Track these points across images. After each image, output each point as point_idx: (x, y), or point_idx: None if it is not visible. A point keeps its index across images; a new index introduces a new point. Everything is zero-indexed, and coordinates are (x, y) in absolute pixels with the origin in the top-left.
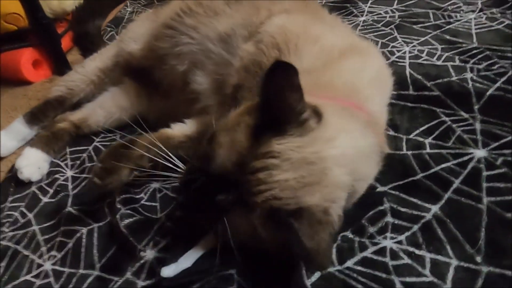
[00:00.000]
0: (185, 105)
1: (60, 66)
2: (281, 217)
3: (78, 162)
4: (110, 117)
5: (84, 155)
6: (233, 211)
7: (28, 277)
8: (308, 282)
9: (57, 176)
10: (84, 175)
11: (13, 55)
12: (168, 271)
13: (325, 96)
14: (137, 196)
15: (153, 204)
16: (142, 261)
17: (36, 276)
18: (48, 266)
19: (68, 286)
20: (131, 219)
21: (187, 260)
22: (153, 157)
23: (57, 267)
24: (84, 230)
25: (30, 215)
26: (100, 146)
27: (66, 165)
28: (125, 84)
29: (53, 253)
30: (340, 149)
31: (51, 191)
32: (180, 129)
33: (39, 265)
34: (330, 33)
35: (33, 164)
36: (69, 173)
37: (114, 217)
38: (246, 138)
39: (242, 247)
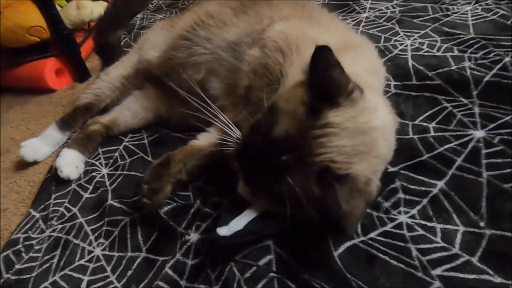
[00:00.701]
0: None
1: (81, 73)
2: (328, 178)
3: (111, 160)
4: (136, 117)
5: (116, 154)
6: (294, 170)
7: (81, 262)
8: (335, 254)
9: (94, 174)
10: (118, 172)
11: (37, 65)
12: (223, 231)
13: None
14: None
15: (187, 193)
16: (188, 244)
17: (89, 261)
18: (98, 251)
19: (119, 267)
20: (169, 206)
21: (238, 223)
22: (190, 170)
23: (106, 252)
24: (128, 219)
25: (75, 209)
26: (129, 145)
27: (101, 163)
28: (146, 89)
29: (101, 240)
30: (381, 120)
31: (90, 187)
32: (207, 140)
33: (90, 251)
34: (325, 33)
35: (71, 163)
36: (105, 170)
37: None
38: (304, 111)
39: (293, 211)
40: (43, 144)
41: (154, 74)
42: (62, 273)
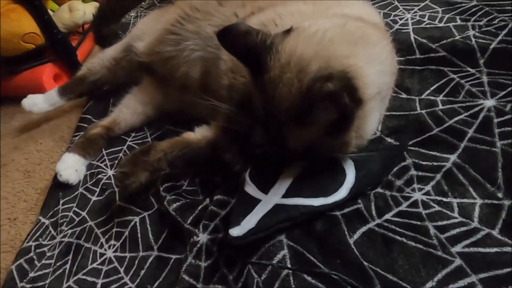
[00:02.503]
0: (210, 111)
1: None
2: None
3: (116, 161)
4: (135, 113)
5: (120, 154)
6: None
7: (94, 265)
8: (351, 241)
9: (100, 176)
10: None
11: (34, 72)
12: (236, 231)
13: None
14: (178, 183)
15: (194, 188)
16: (198, 245)
17: (102, 263)
18: (110, 253)
19: (132, 268)
20: (178, 203)
21: (250, 220)
22: (172, 161)
23: (118, 254)
24: (137, 219)
25: (84, 213)
26: (133, 145)
27: (106, 165)
28: (143, 83)
29: (112, 242)
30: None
31: (97, 190)
32: (203, 133)
33: (102, 254)
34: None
35: (71, 167)
36: (110, 172)
37: (162, 204)
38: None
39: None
40: (41, 101)
41: (144, 63)
42: (76, 277)
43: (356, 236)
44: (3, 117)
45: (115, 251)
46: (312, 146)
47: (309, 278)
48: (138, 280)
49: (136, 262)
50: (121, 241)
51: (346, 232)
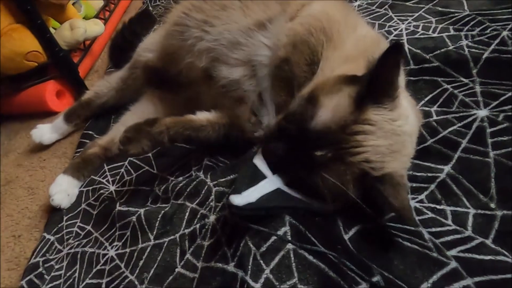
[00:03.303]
0: (216, 100)
1: (81, 93)
2: (369, 181)
3: (118, 177)
4: None
5: (122, 170)
6: (330, 167)
7: (98, 267)
8: (346, 237)
9: (102, 191)
10: (126, 188)
11: (37, 89)
12: (238, 200)
13: None
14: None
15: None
16: (206, 227)
17: (104, 263)
18: (112, 252)
19: (131, 261)
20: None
21: (251, 194)
22: (171, 136)
23: (119, 251)
24: (134, 217)
25: (89, 227)
26: (134, 160)
27: (108, 181)
28: (145, 96)
29: (115, 243)
30: (410, 126)
31: (98, 204)
32: (204, 115)
33: (104, 255)
34: (362, 23)
35: (63, 191)
36: (112, 188)
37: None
38: (349, 105)
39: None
40: (50, 131)
41: (154, 74)
42: (84, 283)
43: (351, 233)
44: (7, 134)
45: (116, 250)
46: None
47: (310, 257)
48: (137, 270)
49: (135, 254)
50: (123, 240)
51: (342, 228)
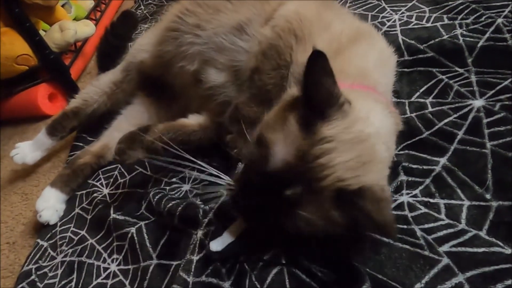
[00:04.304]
0: (203, 104)
1: (73, 95)
2: (347, 198)
3: (111, 180)
4: None
5: (115, 172)
6: (304, 202)
7: (99, 280)
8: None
9: (95, 195)
10: (119, 191)
11: (29, 93)
12: (216, 245)
13: (341, 83)
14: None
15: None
16: (194, 241)
17: (106, 277)
18: (113, 267)
19: (136, 279)
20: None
21: (231, 234)
22: (165, 144)
23: (122, 267)
24: (133, 229)
25: (83, 232)
26: None
27: (101, 184)
28: (138, 100)
29: (115, 256)
30: (375, 127)
31: (91, 208)
32: (196, 119)
33: (106, 268)
34: (338, 20)
35: (51, 207)
36: (106, 191)
37: (160, 214)
38: (298, 130)
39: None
40: (32, 149)
41: (147, 78)
42: None
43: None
44: (1, 139)
45: (118, 264)
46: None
47: (303, 276)
48: None
49: (139, 273)
50: (123, 254)
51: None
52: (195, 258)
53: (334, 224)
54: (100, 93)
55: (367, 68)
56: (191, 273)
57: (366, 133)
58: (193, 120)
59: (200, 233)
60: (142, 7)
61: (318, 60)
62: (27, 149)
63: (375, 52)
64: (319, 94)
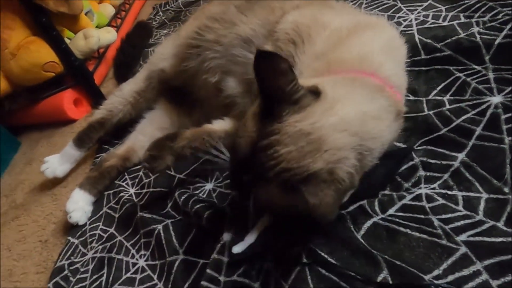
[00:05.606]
0: (224, 112)
1: (97, 100)
2: (293, 186)
3: (137, 180)
4: (153, 138)
5: (140, 173)
6: (257, 187)
7: (128, 275)
8: (359, 235)
9: (122, 194)
10: (145, 190)
11: (56, 99)
12: (237, 248)
13: (336, 72)
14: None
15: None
16: (222, 242)
17: (135, 272)
18: (141, 262)
19: (164, 274)
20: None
21: (251, 236)
22: (193, 149)
23: (149, 262)
24: (160, 226)
25: (111, 229)
26: None
27: (127, 184)
28: (160, 105)
29: (143, 252)
30: (339, 115)
31: (119, 207)
32: (220, 125)
33: (134, 264)
34: (338, 17)
35: (80, 209)
36: (132, 190)
37: (186, 214)
38: (254, 124)
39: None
40: (61, 162)
41: (169, 85)
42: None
43: (362, 232)
44: (29, 143)
45: (146, 260)
46: (277, 208)
47: (323, 271)
48: (170, 285)
49: (166, 268)
50: (150, 250)
51: (353, 229)
52: (225, 258)
53: (286, 208)
54: (124, 102)
55: (367, 55)
56: (223, 272)
57: (316, 125)
58: (218, 127)
59: (228, 236)
60: (161, 13)
61: (262, 61)
62: (56, 162)
63: (380, 40)
64: (269, 93)
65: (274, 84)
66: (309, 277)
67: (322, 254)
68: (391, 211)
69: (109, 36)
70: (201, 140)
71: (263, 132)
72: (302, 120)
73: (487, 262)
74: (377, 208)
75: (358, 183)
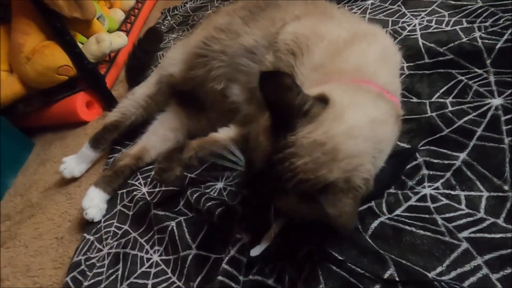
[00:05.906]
0: (228, 116)
1: (109, 102)
2: (311, 196)
3: (149, 179)
4: (165, 139)
5: (153, 172)
6: (277, 199)
7: (143, 269)
8: (367, 235)
9: (135, 193)
10: (157, 189)
11: (69, 101)
12: (255, 252)
13: (339, 80)
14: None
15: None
16: (241, 242)
17: (150, 267)
18: (156, 257)
19: (177, 268)
20: (219, 209)
21: (267, 239)
22: (202, 158)
23: (163, 257)
24: (173, 223)
25: (125, 226)
26: None
27: (140, 183)
28: (171, 107)
29: (156, 247)
30: (350, 122)
31: (132, 205)
32: (226, 133)
33: (149, 259)
34: (336, 27)
35: (96, 206)
36: (144, 189)
37: (199, 212)
38: (267, 138)
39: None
40: (78, 162)
41: (178, 90)
42: (128, 281)
43: (370, 231)
44: (43, 145)
45: (160, 255)
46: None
47: (333, 267)
48: (183, 278)
49: (179, 262)
50: (163, 245)
51: (361, 230)
52: (245, 258)
53: (307, 216)
54: (137, 106)
55: (363, 64)
56: (242, 271)
57: (329, 134)
58: (224, 135)
59: (247, 237)
60: (169, 18)
61: (266, 81)
62: (74, 163)
63: (375, 49)
64: (278, 110)
65: (282, 100)
66: (320, 273)
67: (333, 252)
68: (397, 211)
69: (120, 41)
70: (207, 149)
71: (277, 145)
72: (314, 130)
73: (487, 256)
74: (384, 209)
75: (372, 187)
